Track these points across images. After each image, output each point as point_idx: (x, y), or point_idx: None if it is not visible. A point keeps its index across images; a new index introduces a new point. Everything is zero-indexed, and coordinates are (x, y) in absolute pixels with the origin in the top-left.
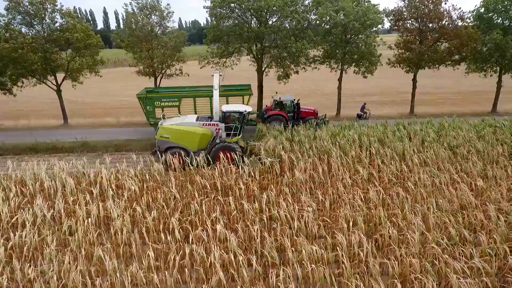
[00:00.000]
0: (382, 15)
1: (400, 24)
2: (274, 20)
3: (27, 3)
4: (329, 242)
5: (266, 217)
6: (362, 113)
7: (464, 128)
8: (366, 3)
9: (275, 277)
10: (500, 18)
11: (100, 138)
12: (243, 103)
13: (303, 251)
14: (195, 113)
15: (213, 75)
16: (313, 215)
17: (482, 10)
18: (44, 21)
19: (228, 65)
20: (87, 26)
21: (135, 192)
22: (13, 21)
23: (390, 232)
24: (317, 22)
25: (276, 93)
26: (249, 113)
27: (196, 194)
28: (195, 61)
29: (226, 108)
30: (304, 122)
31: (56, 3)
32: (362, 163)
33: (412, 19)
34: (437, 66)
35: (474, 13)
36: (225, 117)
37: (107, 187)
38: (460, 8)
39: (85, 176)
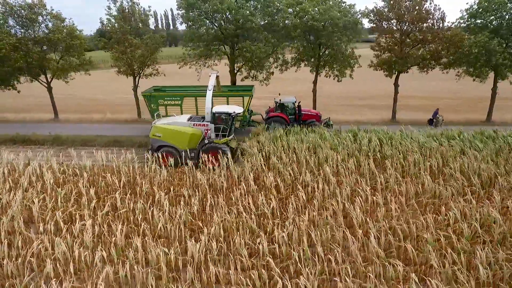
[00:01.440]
0: (357, 16)
1: (380, 24)
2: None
3: (19, 8)
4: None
5: (143, 217)
6: (434, 119)
7: (416, 138)
8: (329, 2)
9: (104, 274)
10: (493, 17)
11: (78, 132)
12: (243, 104)
13: (138, 253)
14: (197, 113)
15: (210, 75)
16: (186, 219)
17: (476, 7)
18: (35, 23)
19: (209, 65)
20: (72, 28)
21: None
22: (6, 23)
23: (239, 242)
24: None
25: (279, 94)
26: (238, 114)
27: (93, 192)
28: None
29: (216, 109)
30: (305, 125)
31: (45, 7)
32: (274, 170)
33: (394, 20)
34: (425, 70)
35: (468, 11)
36: (215, 117)
37: (24, 178)
38: (440, 8)
39: (18, 168)
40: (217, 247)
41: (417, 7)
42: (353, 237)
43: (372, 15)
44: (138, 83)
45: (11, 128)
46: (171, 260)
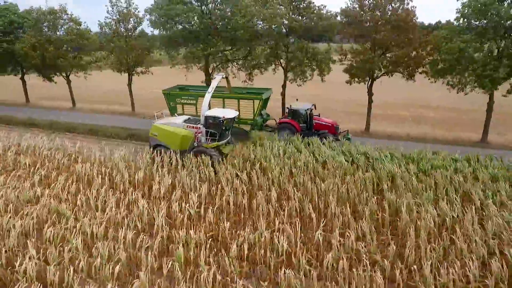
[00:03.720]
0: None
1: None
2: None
3: (47, 13)
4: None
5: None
6: None
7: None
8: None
9: None
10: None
11: (76, 120)
12: (253, 108)
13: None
14: None
15: (215, 77)
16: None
17: (467, 10)
18: (57, 26)
19: (199, 67)
20: (83, 30)
21: None
22: (35, 26)
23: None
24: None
25: (297, 100)
26: (228, 119)
27: None
28: None
29: (208, 112)
30: (317, 136)
31: (66, 12)
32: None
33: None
34: (408, 76)
35: (460, 10)
36: (206, 121)
37: None
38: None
39: None
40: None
41: (396, 6)
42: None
43: (343, 17)
44: (131, 80)
45: (35, 113)
46: None
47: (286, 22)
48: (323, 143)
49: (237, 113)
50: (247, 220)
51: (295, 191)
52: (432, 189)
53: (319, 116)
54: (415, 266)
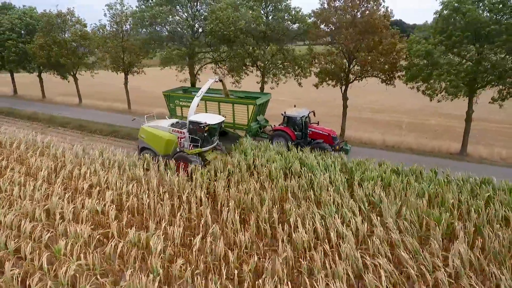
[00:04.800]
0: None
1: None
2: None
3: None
4: None
5: None
6: None
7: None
8: (244, 9)
9: None
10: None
11: (75, 116)
12: (247, 113)
13: None
14: None
15: (208, 80)
16: None
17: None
18: (64, 28)
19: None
20: (86, 31)
21: None
22: (44, 28)
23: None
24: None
25: (295, 106)
26: (218, 125)
27: None
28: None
29: (192, 117)
30: (312, 145)
31: (74, 14)
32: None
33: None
34: (386, 81)
35: (439, 13)
36: (189, 126)
37: None
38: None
39: None
40: None
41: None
42: None
43: (318, 19)
44: (127, 79)
45: (45, 108)
46: None
47: (254, 25)
48: (274, 147)
49: (223, 118)
50: (148, 220)
51: (202, 195)
52: (341, 203)
53: (317, 124)
54: (260, 281)
